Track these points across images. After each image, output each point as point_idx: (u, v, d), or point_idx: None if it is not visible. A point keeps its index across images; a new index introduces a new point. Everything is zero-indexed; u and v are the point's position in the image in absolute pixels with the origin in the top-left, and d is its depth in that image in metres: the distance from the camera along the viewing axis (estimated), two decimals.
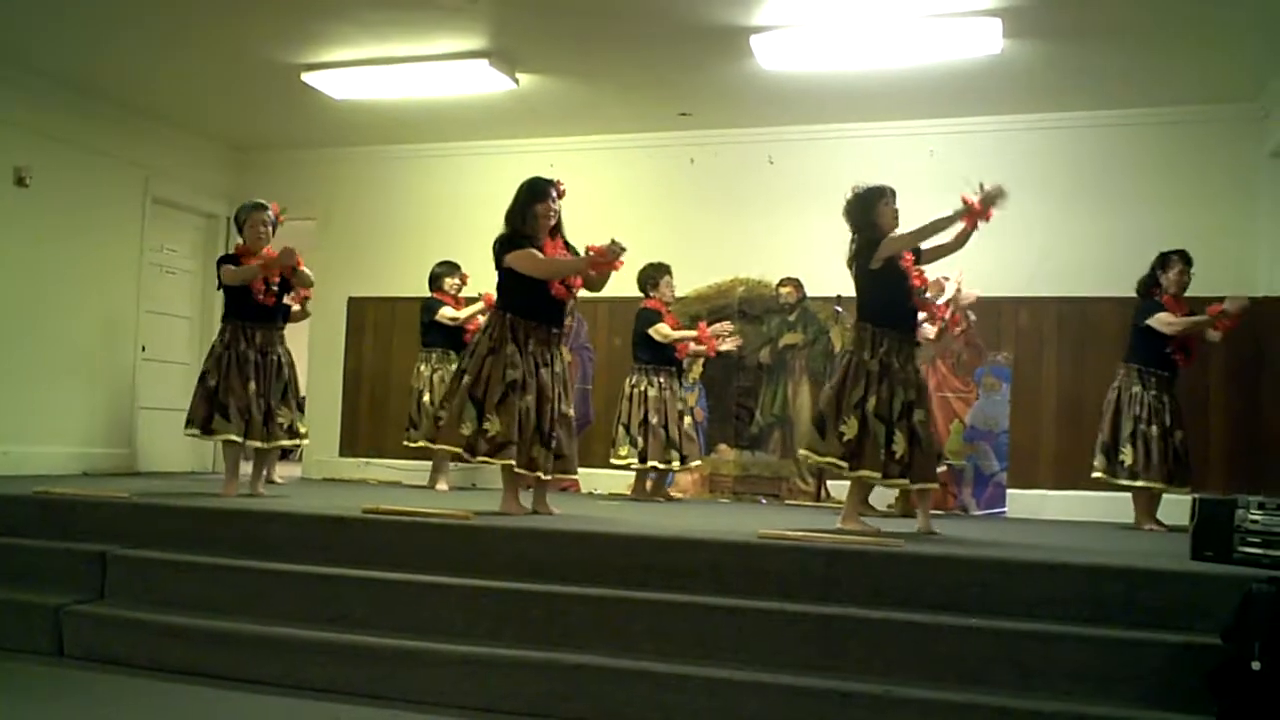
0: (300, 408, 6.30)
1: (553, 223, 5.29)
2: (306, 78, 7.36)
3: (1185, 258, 6.36)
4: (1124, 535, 5.91)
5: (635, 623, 3.99)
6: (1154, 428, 6.21)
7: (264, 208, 6.08)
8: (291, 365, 6.16)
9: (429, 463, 7.76)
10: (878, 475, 4.92)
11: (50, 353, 7.81)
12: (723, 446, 8.04)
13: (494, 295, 5.50)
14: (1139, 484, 6.22)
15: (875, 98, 7.45)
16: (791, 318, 7.91)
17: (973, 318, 7.57)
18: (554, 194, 5.29)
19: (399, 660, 3.98)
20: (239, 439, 5.80)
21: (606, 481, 7.89)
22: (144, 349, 8.74)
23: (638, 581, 4.17)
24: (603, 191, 8.63)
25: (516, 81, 7.27)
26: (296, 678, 4.05)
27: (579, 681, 3.77)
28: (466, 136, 8.72)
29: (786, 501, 7.63)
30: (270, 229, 6.04)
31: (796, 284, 7.76)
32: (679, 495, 7.82)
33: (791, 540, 4.35)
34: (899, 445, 4.89)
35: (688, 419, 7.48)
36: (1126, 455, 6.23)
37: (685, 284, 8.14)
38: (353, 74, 7.29)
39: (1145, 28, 6.17)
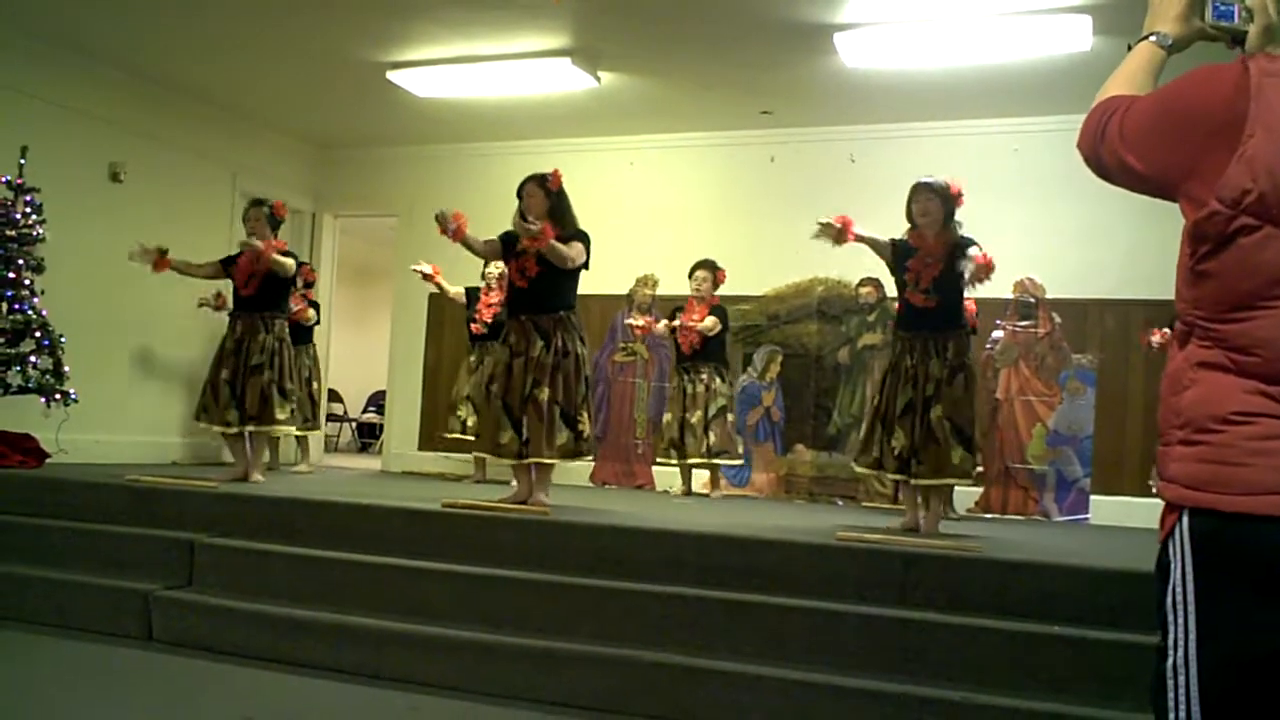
0: (283, 394, 6.38)
1: (526, 217, 5.44)
2: (391, 76, 7.46)
3: None
4: None
5: (710, 621, 3.99)
6: None
7: (261, 204, 6.61)
8: (277, 353, 6.38)
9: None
10: (871, 472, 5.33)
11: (141, 344, 8.05)
12: (800, 447, 7.99)
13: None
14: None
15: (960, 95, 7.34)
16: (871, 318, 7.83)
17: (1057, 320, 7.45)
18: (525, 190, 5.70)
19: (476, 653, 4.03)
20: (204, 424, 6.40)
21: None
22: None
23: (713, 580, 4.18)
24: (683, 189, 8.64)
25: (598, 80, 7.29)
26: (376, 667, 4.12)
27: (653, 678, 3.78)
28: (548, 134, 8.77)
29: (863, 504, 7.55)
30: (262, 225, 6.47)
31: (877, 284, 7.62)
32: (754, 494, 7.79)
33: (869, 543, 4.32)
34: (898, 441, 5.07)
35: (699, 414, 7.42)
36: None
37: (764, 283, 8.12)
38: (437, 72, 7.37)
39: None
